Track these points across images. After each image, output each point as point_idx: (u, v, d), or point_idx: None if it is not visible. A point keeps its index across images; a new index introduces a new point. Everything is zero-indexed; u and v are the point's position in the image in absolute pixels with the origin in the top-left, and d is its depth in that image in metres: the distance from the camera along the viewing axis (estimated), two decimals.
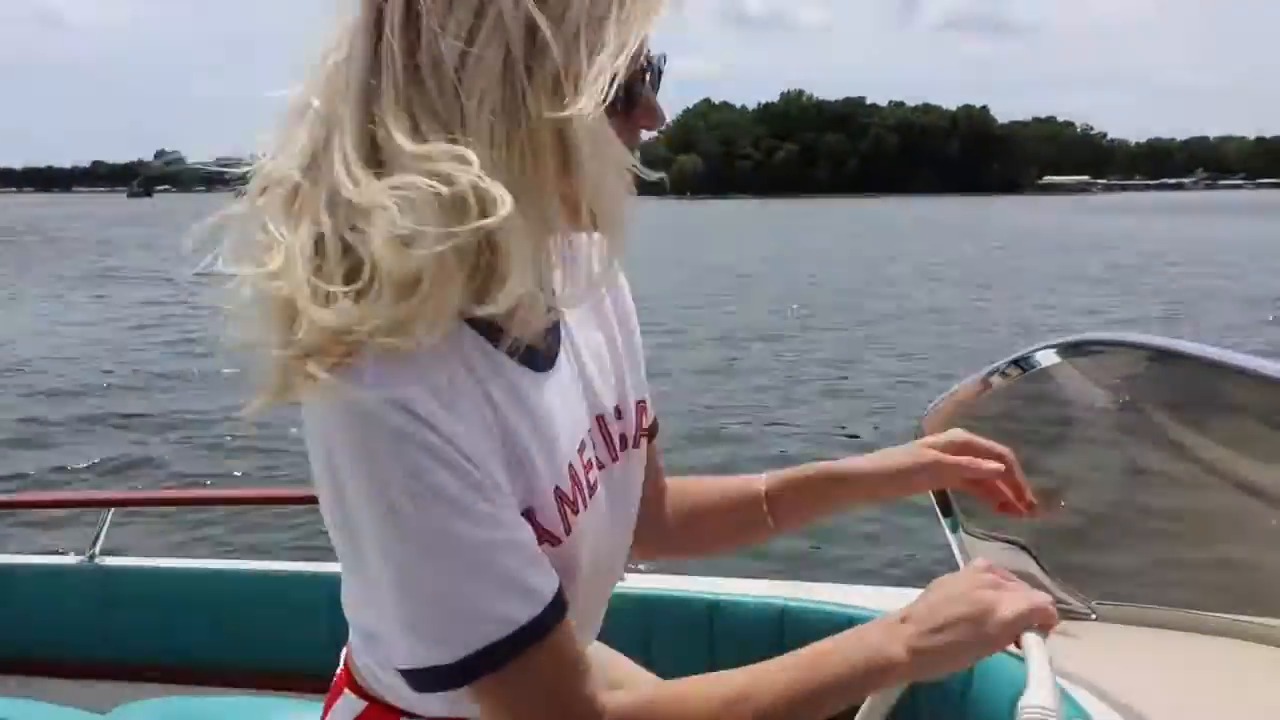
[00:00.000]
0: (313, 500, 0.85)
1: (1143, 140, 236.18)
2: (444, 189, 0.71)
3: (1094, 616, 1.49)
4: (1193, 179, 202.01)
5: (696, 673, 0.91)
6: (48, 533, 5.14)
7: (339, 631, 1.01)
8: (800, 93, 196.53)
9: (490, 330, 0.82)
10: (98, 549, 2.12)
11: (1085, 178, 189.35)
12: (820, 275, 24.25)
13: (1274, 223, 50.10)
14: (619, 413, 1.00)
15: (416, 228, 0.70)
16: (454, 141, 0.73)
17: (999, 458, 1.11)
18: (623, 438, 1.00)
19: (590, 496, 0.91)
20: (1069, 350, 1.43)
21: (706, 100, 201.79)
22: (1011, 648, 0.90)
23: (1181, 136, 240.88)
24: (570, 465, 0.88)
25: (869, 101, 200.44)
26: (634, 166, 0.80)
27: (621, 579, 1.08)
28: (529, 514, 0.83)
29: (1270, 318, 15.33)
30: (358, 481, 0.76)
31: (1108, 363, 1.48)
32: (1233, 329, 13.80)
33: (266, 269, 0.75)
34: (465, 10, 0.74)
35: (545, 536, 0.84)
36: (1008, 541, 1.54)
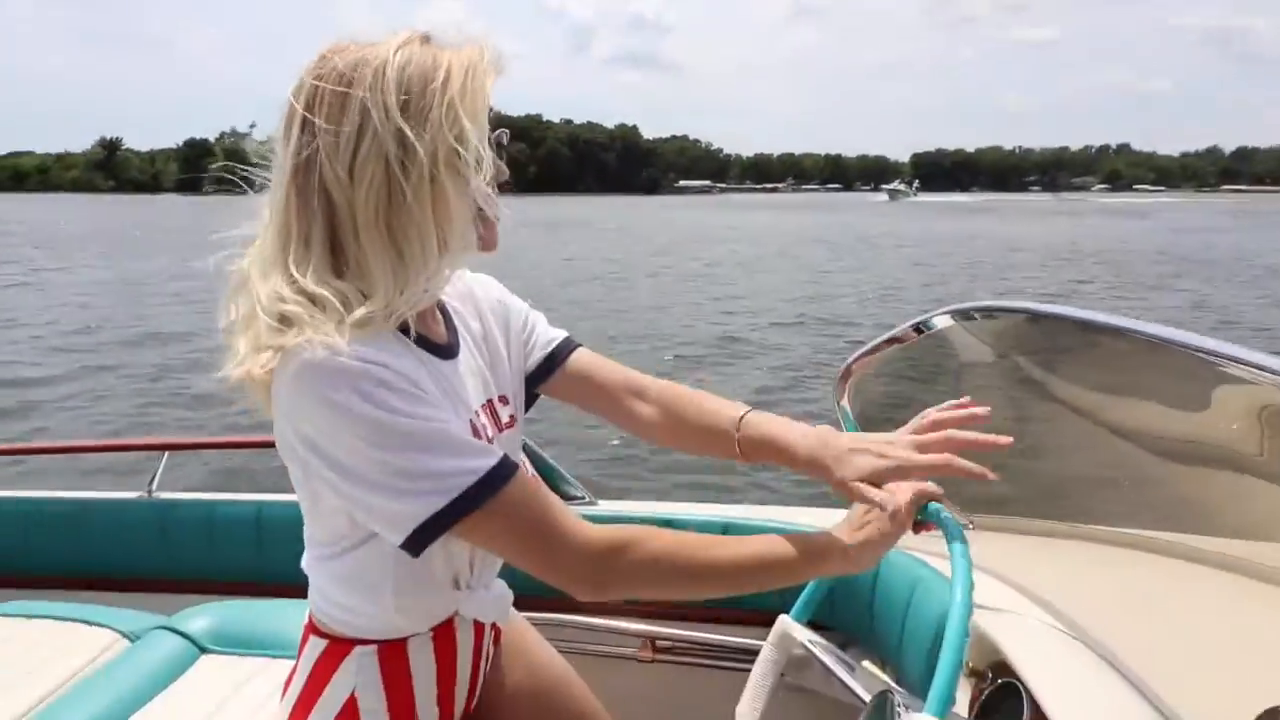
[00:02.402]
0: None
1: (751, 155, 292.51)
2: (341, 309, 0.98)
3: (971, 526, 1.60)
4: (784, 185, 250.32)
5: None
6: (114, 474, 5.22)
7: None
8: (489, 109, 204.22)
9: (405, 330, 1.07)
10: (155, 485, 2.38)
11: (709, 182, 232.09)
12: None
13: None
14: (504, 400, 1.24)
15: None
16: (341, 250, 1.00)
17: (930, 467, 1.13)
18: (511, 418, 1.24)
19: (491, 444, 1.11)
20: (960, 315, 1.61)
21: None
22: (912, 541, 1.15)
23: (777, 153, 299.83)
24: (476, 415, 1.14)
25: (545, 118, 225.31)
26: (486, 215, 1.06)
27: None
28: None
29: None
30: (339, 418, 0.95)
31: (993, 325, 1.66)
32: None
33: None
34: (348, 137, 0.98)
35: None
36: None
